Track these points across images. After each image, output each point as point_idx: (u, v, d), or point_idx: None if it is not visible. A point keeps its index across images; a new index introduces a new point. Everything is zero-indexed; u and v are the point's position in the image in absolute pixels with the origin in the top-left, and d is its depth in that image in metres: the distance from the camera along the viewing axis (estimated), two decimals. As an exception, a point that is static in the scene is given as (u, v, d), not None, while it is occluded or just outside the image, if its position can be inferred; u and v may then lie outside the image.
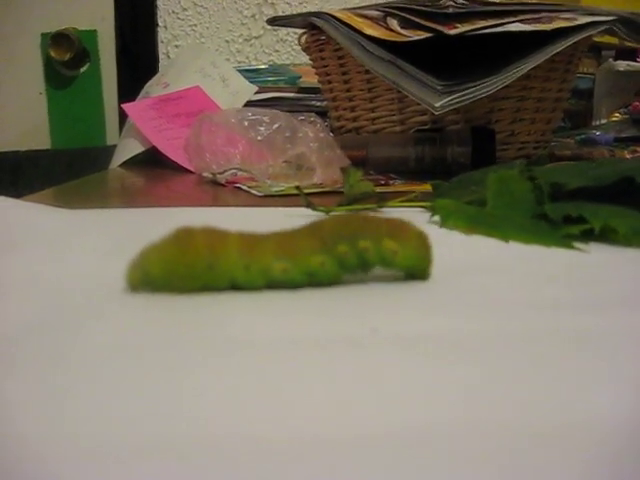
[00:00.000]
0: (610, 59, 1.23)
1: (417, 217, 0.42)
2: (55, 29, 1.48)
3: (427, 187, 0.58)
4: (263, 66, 1.29)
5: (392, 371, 0.21)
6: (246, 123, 0.57)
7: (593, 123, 1.22)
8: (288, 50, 1.49)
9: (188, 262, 0.28)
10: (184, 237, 0.28)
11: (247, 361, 0.22)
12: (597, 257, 0.34)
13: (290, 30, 1.43)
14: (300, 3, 1.48)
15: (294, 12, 1.49)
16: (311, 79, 1.14)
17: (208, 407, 0.18)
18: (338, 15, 0.77)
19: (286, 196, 0.59)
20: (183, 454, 0.16)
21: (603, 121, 1.21)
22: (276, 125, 0.57)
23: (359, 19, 0.75)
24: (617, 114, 1.20)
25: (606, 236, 0.36)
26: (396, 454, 0.16)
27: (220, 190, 0.65)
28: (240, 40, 1.48)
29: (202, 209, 0.49)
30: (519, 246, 0.35)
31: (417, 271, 0.31)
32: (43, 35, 1.48)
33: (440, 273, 0.30)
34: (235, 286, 0.29)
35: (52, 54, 1.43)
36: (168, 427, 0.17)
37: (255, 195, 0.60)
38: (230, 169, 0.61)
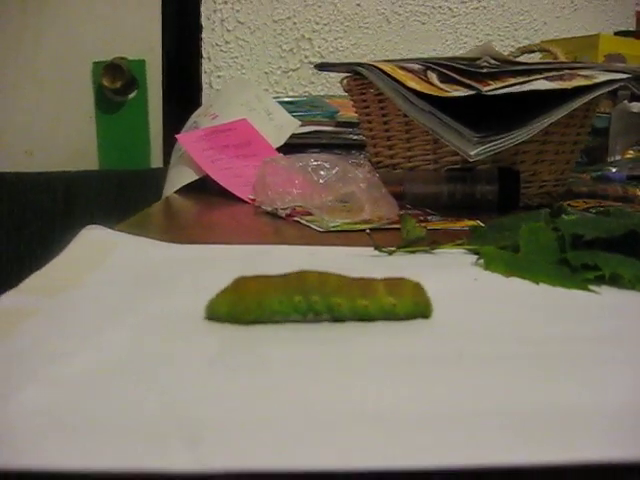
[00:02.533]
0: (625, 100, 1.32)
1: (463, 259, 0.52)
2: (105, 58, 1.59)
3: (465, 224, 0.67)
4: (300, 98, 1.39)
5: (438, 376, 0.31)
6: (310, 169, 0.67)
7: (608, 159, 1.31)
8: (323, 82, 1.59)
9: (243, 302, 0.38)
10: (241, 283, 0.38)
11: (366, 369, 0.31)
12: (607, 298, 0.43)
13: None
14: (335, 39, 1.59)
15: (330, 47, 1.59)
16: (347, 112, 1.24)
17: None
18: (382, 67, 0.87)
19: (343, 232, 0.68)
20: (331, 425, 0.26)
21: (617, 158, 1.30)
22: (335, 170, 0.67)
23: (402, 72, 0.85)
24: (631, 152, 1.29)
25: (616, 280, 0.45)
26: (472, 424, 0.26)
27: (280, 223, 0.75)
28: (278, 72, 1.58)
29: (278, 247, 0.59)
30: (546, 287, 0.45)
31: (418, 314, 0.39)
32: (95, 64, 1.59)
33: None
34: (277, 318, 0.38)
35: (104, 82, 1.54)
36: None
37: (314, 229, 0.70)
38: (291, 205, 0.71)
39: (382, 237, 0.60)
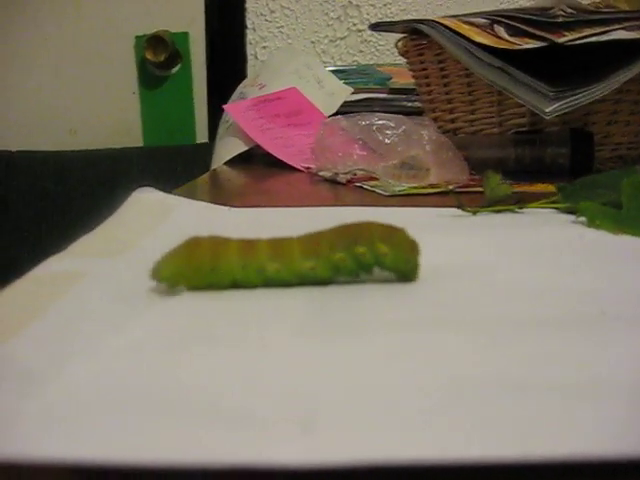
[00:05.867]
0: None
1: (557, 217, 0.47)
2: (147, 32, 1.54)
3: (542, 188, 0.62)
4: (350, 67, 1.33)
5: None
6: (374, 127, 0.61)
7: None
8: (372, 51, 1.53)
9: (194, 266, 0.32)
10: (192, 244, 0.33)
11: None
12: None
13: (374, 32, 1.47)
14: (384, 5, 1.52)
15: (379, 14, 1.53)
16: (401, 79, 1.18)
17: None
18: (445, 22, 0.81)
19: (409, 195, 0.63)
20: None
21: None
22: (402, 128, 0.61)
23: (466, 26, 0.79)
24: None
25: None
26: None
27: (341, 189, 0.70)
28: (325, 41, 1.53)
29: (348, 208, 0.53)
30: None
31: (405, 273, 0.34)
32: (137, 37, 1.55)
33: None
34: (236, 284, 0.32)
35: (147, 56, 1.50)
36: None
37: (379, 194, 0.64)
38: (354, 169, 0.66)
39: (450, 200, 0.54)
